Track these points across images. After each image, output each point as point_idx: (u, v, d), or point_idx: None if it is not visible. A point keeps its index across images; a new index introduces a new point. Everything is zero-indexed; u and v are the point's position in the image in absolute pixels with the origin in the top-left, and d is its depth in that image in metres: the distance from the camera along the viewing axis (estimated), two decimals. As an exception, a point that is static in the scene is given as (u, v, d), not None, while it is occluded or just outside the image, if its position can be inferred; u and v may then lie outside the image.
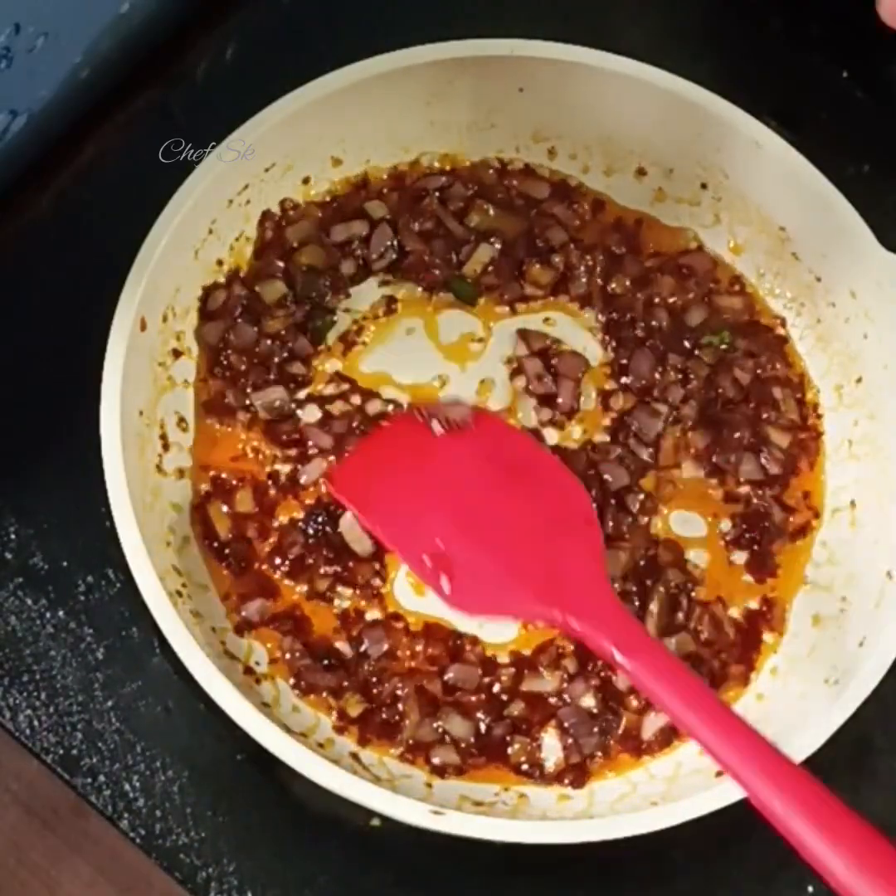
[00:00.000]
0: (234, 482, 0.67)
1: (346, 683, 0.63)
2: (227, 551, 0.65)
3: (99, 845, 0.66)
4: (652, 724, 0.63)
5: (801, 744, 0.58)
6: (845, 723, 0.58)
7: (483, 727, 0.63)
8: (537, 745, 0.63)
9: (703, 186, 0.72)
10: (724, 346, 0.71)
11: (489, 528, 0.64)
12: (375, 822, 0.60)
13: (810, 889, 0.62)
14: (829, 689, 0.61)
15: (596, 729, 0.63)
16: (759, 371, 0.70)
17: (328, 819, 0.61)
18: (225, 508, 0.66)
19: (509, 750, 0.63)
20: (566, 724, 0.63)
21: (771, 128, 0.69)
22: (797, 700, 0.63)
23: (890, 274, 0.66)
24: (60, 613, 0.64)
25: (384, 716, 0.63)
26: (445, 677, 0.64)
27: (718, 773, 0.60)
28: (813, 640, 0.65)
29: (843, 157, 0.72)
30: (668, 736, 0.63)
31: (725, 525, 0.68)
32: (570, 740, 0.63)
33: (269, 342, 0.69)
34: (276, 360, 0.69)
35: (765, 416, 0.70)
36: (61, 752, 0.62)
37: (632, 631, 0.59)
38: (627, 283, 0.72)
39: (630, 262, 0.72)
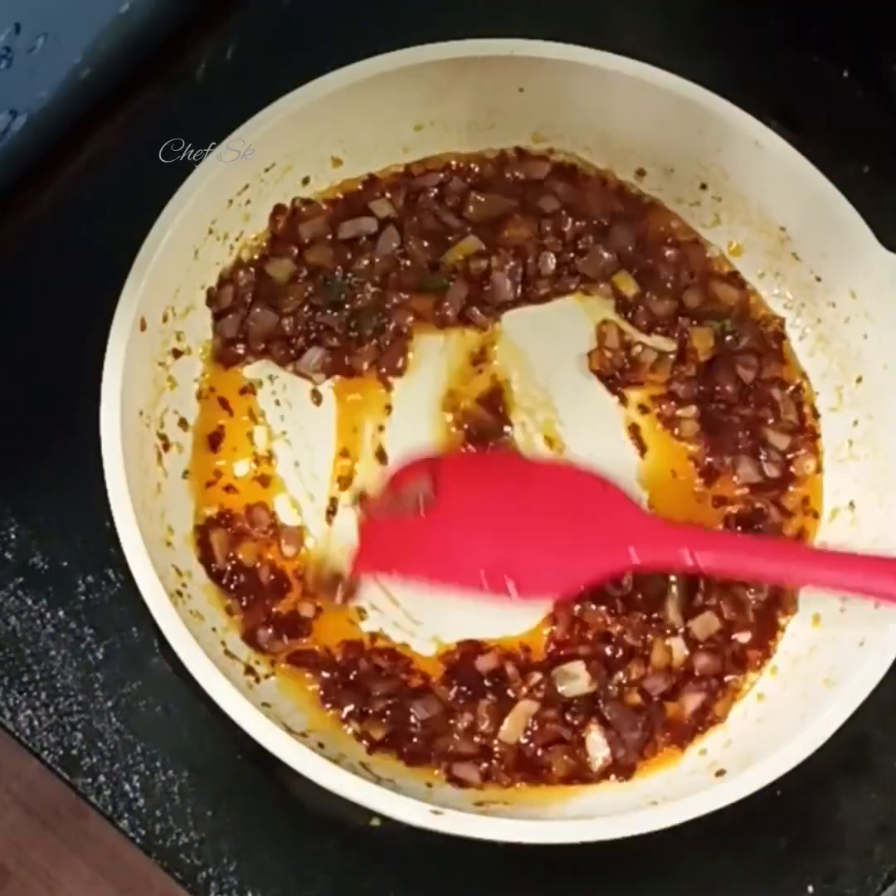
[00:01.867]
0: (238, 524, 0.67)
1: (367, 707, 0.63)
2: (232, 587, 0.66)
3: (99, 845, 0.66)
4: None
5: (802, 744, 0.58)
6: (845, 723, 0.58)
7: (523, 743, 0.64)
8: (583, 748, 0.63)
9: (703, 186, 0.72)
10: (727, 334, 0.71)
11: (524, 523, 0.65)
12: (375, 822, 0.60)
13: (810, 889, 0.62)
14: (829, 689, 0.61)
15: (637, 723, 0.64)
16: (759, 372, 0.71)
17: (328, 819, 0.61)
18: (225, 539, 0.66)
19: (552, 765, 0.63)
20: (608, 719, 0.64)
21: (771, 128, 0.69)
22: (797, 700, 0.63)
23: (890, 274, 0.66)
24: (60, 613, 0.65)
25: (414, 742, 0.63)
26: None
27: (718, 773, 0.60)
28: (813, 640, 0.65)
29: (843, 157, 0.72)
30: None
31: (720, 527, 0.68)
32: (613, 735, 0.63)
33: (290, 321, 0.70)
34: (310, 332, 0.70)
35: (763, 418, 0.70)
36: (61, 752, 0.62)
37: (689, 534, 0.64)
38: (629, 248, 0.72)
39: (623, 231, 0.73)
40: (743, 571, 0.63)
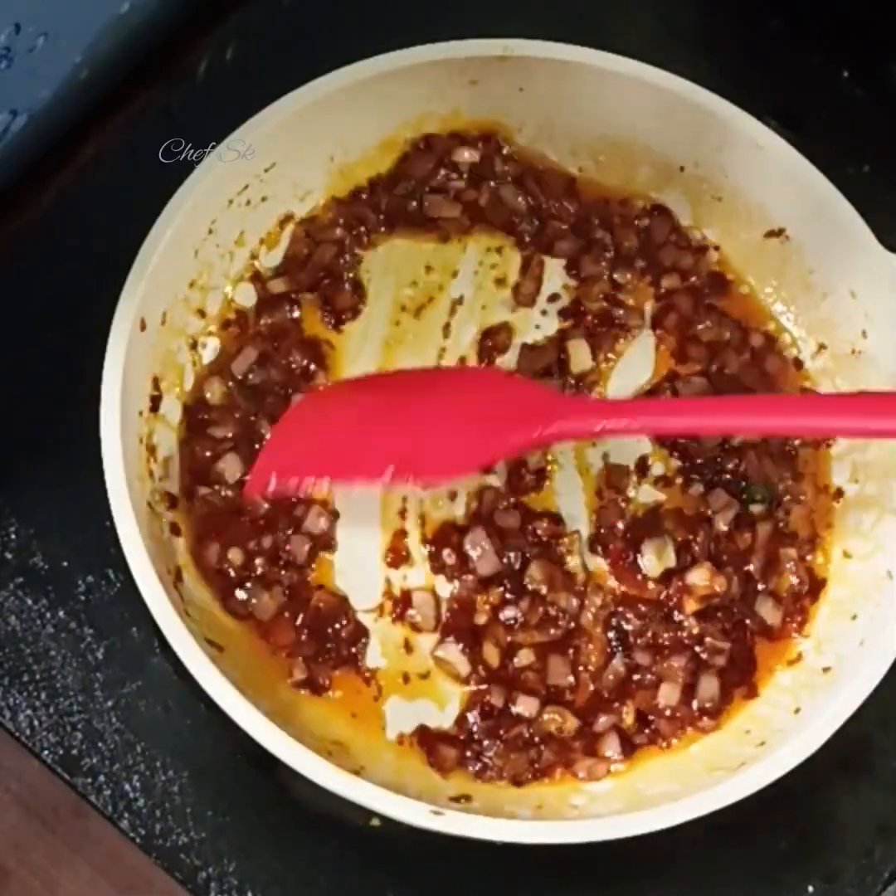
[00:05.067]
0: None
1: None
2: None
3: (99, 845, 0.66)
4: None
5: (802, 744, 0.58)
6: (845, 723, 0.58)
7: None
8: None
9: (703, 186, 0.72)
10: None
11: (434, 413, 0.65)
12: (375, 822, 0.60)
13: (810, 889, 0.62)
14: (829, 688, 0.61)
15: None
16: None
17: (328, 819, 0.61)
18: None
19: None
20: None
21: (771, 128, 0.69)
22: (797, 700, 0.63)
23: (890, 274, 0.66)
24: (60, 613, 0.65)
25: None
26: None
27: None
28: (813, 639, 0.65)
29: (843, 157, 0.72)
30: None
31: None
32: None
33: None
34: None
35: None
36: (61, 752, 0.62)
37: (610, 406, 0.62)
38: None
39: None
40: (672, 433, 0.61)
